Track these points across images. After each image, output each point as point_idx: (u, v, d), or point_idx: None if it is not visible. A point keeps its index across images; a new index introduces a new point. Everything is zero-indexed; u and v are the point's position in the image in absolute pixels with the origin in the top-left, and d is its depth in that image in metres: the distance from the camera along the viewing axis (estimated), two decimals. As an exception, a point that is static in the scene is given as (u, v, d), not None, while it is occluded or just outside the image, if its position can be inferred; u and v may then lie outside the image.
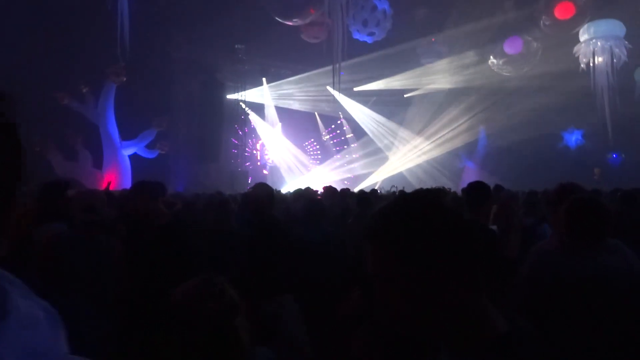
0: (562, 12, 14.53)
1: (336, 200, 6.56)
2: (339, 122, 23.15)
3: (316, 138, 23.00)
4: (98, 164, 14.87)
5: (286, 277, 3.02)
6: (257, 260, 3.15)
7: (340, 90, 20.07)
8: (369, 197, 6.10)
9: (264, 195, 3.76)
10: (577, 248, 1.98)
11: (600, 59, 15.04)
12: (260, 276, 2.82)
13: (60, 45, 12.78)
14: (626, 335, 1.67)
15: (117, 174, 14.62)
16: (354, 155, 22.88)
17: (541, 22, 15.17)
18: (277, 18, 13.85)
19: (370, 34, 15.07)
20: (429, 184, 16.24)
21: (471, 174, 21.33)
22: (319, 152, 23.10)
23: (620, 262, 1.82)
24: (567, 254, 2.00)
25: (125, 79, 14.28)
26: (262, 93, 20.77)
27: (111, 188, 11.61)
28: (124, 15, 9.55)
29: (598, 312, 1.70)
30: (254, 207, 3.75)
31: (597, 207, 1.99)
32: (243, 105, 20.06)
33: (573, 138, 21.04)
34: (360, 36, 15.13)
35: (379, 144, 22.15)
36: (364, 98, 22.01)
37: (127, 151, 15.20)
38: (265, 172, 21.21)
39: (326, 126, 23.18)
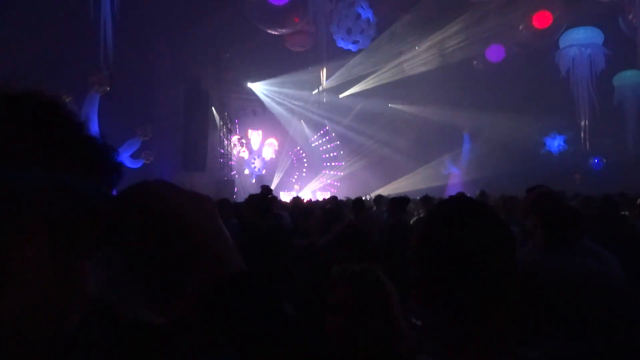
0: (539, 21, 14.83)
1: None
2: (326, 128, 23.20)
3: (302, 145, 23.02)
4: (81, 174, 14.69)
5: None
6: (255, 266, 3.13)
7: (325, 97, 20.26)
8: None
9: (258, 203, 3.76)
10: (552, 252, 2.03)
11: (579, 66, 15.35)
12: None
13: (42, 54, 12.66)
14: (597, 338, 1.71)
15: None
16: (342, 163, 22.96)
17: (520, 30, 15.45)
18: (261, 28, 13.90)
19: (355, 42, 15.20)
20: (414, 191, 16.31)
21: (456, 180, 21.55)
22: (304, 160, 23.12)
23: (596, 265, 1.88)
24: (543, 258, 2.06)
25: (109, 88, 14.17)
26: (247, 98, 20.76)
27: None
28: (107, 24, 9.51)
29: (571, 316, 1.75)
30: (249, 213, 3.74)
31: (568, 212, 2.06)
32: (227, 114, 20.03)
33: (555, 143, 21.37)
34: (345, 44, 15.25)
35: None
36: (351, 104, 22.14)
37: (111, 161, 15.05)
38: (252, 181, 21.16)
39: (313, 133, 23.23)
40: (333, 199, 10.04)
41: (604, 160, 20.35)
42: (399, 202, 5.84)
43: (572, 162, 20.14)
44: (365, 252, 2.10)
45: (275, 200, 7.59)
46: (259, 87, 20.63)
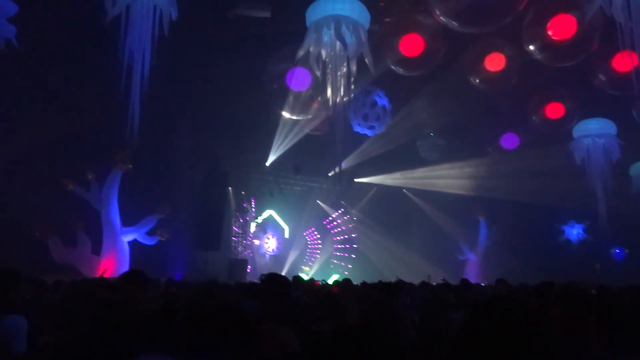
0: (552, 112, 15.19)
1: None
2: (340, 210, 23.27)
3: (317, 227, 22.99)
4: (97, 249, 14.76)
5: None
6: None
7: (340, 181, 20.50)
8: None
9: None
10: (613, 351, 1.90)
11: (594, 155, 15.44)
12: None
13: (70, 132, 13.24)
14: None
15: (115, 261, 14.45)
16: (354, 246, 22.75)
17: (533, 120, 15.79)
18: (281, 113, 14.46)
19: (371, 128, 15.66)
20: (429, 276, 15.93)
21: (473, 267, 21.08)
22: (319, 241, 22.98)
23: None
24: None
25: (131, 166, 14.59)
26: (265, 179, 21.07)
27: (107, 275, 11.44)
28: (135, 105, 9.98)
29: None
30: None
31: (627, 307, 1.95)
32: (245, 194, 20.31)
33: (574, 232, 21.02)
34: (361, 129, 15.72)
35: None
36: (365, 187, 22.40)
37: (127, 237, 15.14)
38: (265, 261, 20.99)
39: (327, 215, 23.27)
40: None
41: (627, 251, 19.85)
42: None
43: (592, 251, 19.67)
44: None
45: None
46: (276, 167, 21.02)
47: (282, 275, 3.97)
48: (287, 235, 22.19)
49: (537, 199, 18.46)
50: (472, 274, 19.37)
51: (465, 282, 8.77)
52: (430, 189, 21.01)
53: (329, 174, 20.99)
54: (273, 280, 3.78)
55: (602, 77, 13.89)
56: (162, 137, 15.32)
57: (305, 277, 16.48)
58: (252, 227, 20.98)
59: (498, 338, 0.94)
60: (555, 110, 15.18)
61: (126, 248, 15.06)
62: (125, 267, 14.11)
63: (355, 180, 22.16)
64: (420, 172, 20.54)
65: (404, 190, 22.36)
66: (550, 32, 12.04)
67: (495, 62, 13.47)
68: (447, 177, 20.21)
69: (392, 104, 15.70)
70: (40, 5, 11.02)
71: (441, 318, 4.84)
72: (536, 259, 17.56)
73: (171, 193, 16.50)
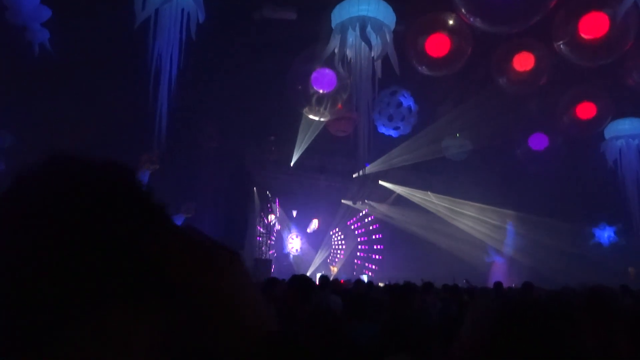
0: (583, 112, 14.80)
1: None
2: (365, 211, 23.22)
3: (341, 227, 22.98)
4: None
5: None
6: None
7: (365, 180, 20.50)
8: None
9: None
10: None
11: (627, 157, 15.03)
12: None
13: (100, 133, 13.54)
14: None
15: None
16: (377, 247, 22.66)
17: (563, 121, 15.43)
18: (305, 113, 14.50)
19: (396, 129, 15.55)
20: (453, 279, 15.74)
21: (500, 270, 20.73)
22: (343, 241, 22.96)
23: None
24: None
25: (158, 166, 14.83)
26: (289, 179, 21.15)
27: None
28: (163, 107, 10.16)
29: None
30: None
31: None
32: (269, 194, 20.44)
33: (605, 235, 20.47)
34: (386, 130, 15.61)
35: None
36: (391, 189, 22.33)
37: (154, 236, 15.40)
38: (289, 261, 21.08)
39: (352, 216, 23.24)
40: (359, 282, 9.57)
41: (660, 255, 19.25)
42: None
43: (624, 254, 19.12)
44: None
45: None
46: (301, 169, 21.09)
47: (306, 277, 3.98)
48: (311, 235, 22.25)
49: (567, 201, 18.07)
50: (499, 276, 19.04)
51: (497, 286, 8.59)
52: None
53: (354, 175, 21.04)
54: (298, 282, 3.80)
55: (634, 76, 13.50)
56: (188, 138, 15.55)
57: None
58: (277, 227, 21.10)
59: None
60: (586, 110, 14.79)
61: (153, 247, 15.34)
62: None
63: (380, 182, 22.08)
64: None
65: (429, 192, 22.19)
66: (581, 31, 11.75)
67: (524, 62, 13.20)
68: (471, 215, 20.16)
69: (419, 106, 15.54)
70: (72, 10, 11.30)
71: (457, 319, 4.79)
72: (565, 263, 17.16)
73: (196, 193, 16.71)
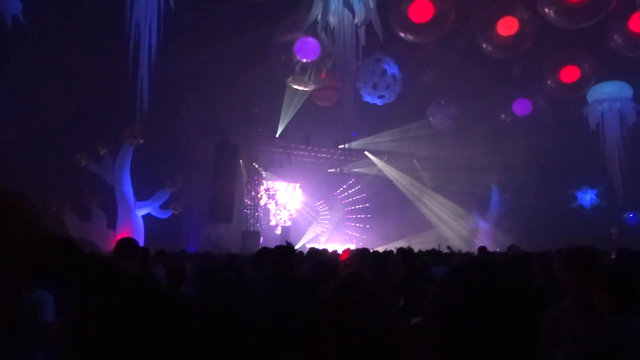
0: (567, 76, 14.85)
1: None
2: (351, 181, 23.32)
3: (327, 199, 23.06)
4: (112, 224, 15.00)
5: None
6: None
7: (351, 151, 20.54)
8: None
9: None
10: (623, 315, 1.85)
11: (609, 120, 15.19)
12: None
13: (81, 108, 13.28)
14: None
15: (130, 234, 14.69)
16: (367, 216, 22.84)
17: (547, 85, 15.47)
18: (290, 83, 14.33)
19: (380, 97, 15.47)
20: (438, 245, 16.02)
21: (485, 234, 21.11)
22: (330, 211, 23.10)
23: None
24: (616, 323, 1.87)
25: (142, 140, 14.66)
26: (275, 151, 21.10)
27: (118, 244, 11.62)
28: (143, 81, 9.95)
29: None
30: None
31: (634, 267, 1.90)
32: (256, 166, 20.37)
33: (587, 197, 20.88)
34: (371, 98, 15.53)
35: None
36: (376, 158, 22.44)
37: (141, 211, 15.35)
38: (277, 232, 21.18)
39: (338, 186, 23.31)
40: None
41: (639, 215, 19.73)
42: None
43: (606, 216, 19.56)
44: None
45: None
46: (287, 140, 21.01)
47: (287, 246, 4.05)
48: (298, 206, 22.32)
49: (551, 165, 18.31)
50: (484, 241, 19.42)
51: (481, 250, 8.80)
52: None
53: (340, 146, 21.05)
54: (281, 251, 3.86)
55: (618, 39, 13.52)
56: (172, 111, 15.33)
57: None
58: (264, 199, 21.11)
59: (470, 302, 0.98)
60: (570, 74, 14.83)
61: (141, 222, 15.30)
62: (140, 241, 14.35)
63: (366, 153, 22.15)
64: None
65: (414, 161, 22.34)
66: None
67: (508, 27, 13.11)
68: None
69: (404, 74, 15.43)
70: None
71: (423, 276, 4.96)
72: (548, 226, 17.51)
73: (182, 166, 16.61)
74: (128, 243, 4.04)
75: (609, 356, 1.63)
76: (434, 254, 8.38)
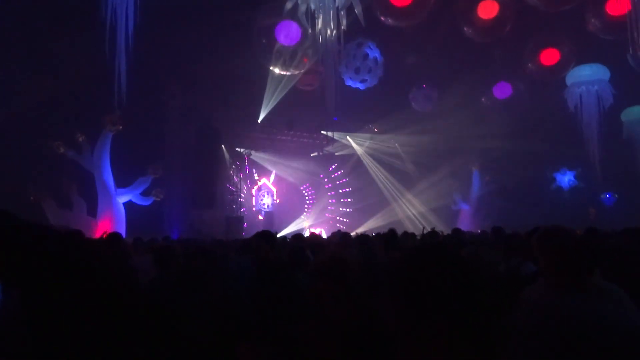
0: (547, 59, 15.00)
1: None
2: (334, 166, 23.34)
3: (311, 182, 23.08)
4: (93, 212, 14.82)
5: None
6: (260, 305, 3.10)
7: (334, 135, 20.55)
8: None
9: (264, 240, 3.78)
10: (564, 293, 1.97)
11: (587, 102, 15.43)
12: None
13: (59, 94, 13.02)
14: None
15: (111, 222, 14.54)
16: (349, 200, 22.94)
17: (528, 67, 15.62)
18: (271, 68, 14.21)
19: (363, 81, 15.45)
20: (423, 227, 16.19)
21: (466, 217, 21.40)
22: (313, 196, 23.14)
23: (611, 312, 1.77)
24: (554, 299, 1.99)
25: (121, 127, 14.43)
26: (258, 136, 20.98)
27: (106, 237, 11.52)
28: (121, 66, 9.78)
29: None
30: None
31: (578, 247, 2.01)
32: (240, 150, 20.26)
33: (566, 179, 21.27)
34: (353, 83, 15.50)
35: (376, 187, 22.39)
36: (359, 141, 22.51)
37: (122, 199, 15.17)
38: (260, 217, 21.18)
39: (321, 170, 23.31)
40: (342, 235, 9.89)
41: (616, 196, 20.17)
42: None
43: (584, 197, 19.98)
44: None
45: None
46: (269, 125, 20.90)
47: (268, 232, 4.09)
48: (282, 191, 22.30)
49: (529, 147, 18.55)
50: (465, 223, 19.70)
51: (456, 231, 8.93)
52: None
53: (322, 131, 21.02)
54: (263, 237, 3.89)
55: (595, 22, 13.66)
56: (152, 97, 15.11)
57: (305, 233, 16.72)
58: (247, 184, 21.05)
59: (421, 282, 1.10)
60: (550, 57, 14.99)
61: (122, 209, 15.12)
62: (122, 228, 14.22)
63: (348, 136, 22.18)
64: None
65: (397, 145, 22.44)
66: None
67: (488, 10, 13.16)
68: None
69: (385, 58, 15.40)
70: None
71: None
72: (528, 207, 17.82)
73: (164, 153, 16.44)
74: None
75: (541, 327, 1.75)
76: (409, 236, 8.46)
